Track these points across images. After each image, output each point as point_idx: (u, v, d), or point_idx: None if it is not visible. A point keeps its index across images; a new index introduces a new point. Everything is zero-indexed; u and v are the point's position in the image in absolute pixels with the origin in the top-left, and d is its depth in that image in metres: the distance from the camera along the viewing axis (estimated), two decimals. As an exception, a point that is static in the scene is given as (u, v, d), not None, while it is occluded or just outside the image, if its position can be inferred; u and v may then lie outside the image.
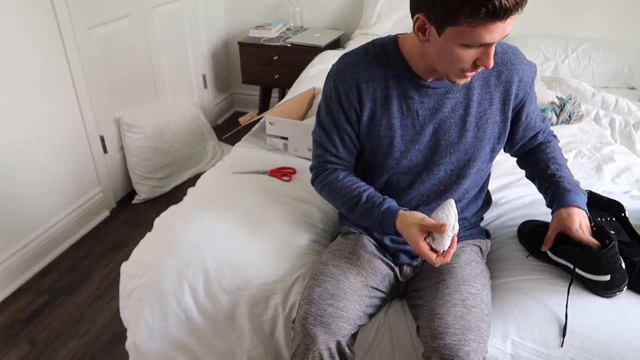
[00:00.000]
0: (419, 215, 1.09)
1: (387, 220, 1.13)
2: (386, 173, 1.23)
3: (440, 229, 1.03)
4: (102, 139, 2.45)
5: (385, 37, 1.18)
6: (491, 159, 1.26)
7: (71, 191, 2.32)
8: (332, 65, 1.20)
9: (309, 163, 1.33)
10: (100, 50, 2.37)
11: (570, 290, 1.15)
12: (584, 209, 1.18)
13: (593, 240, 1.13)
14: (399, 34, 1.17)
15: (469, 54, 0.99)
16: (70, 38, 2.17)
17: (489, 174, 1.35)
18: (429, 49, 1.05)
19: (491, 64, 0.99)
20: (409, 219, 1.09)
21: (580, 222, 1.16)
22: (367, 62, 1.14)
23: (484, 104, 1.17)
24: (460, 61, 1.00)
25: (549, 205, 1.25)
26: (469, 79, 1.07)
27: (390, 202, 1.16)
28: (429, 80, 1.14)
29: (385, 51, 1.14)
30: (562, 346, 1.09)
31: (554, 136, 1.34)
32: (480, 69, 1.04)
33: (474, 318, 1.06)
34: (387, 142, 1.18)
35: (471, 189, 1.28)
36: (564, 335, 1.10)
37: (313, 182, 1.30)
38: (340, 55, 1.22)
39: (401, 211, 1.12)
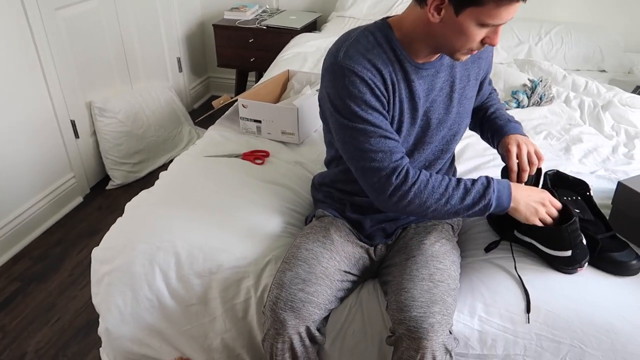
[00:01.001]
0: None
1: (505, 190, 1.10)
2: None
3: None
4: (73, 123, 2.40)
5: (373, 23, 1.14)
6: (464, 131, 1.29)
7: (42, 177, 2.27)
8: (336, 62, 1.07)
9: (283, 146, 1.31)
10: (69, 32, 2.31)
11: (535, 269, 1.19)
12: (521, 134, 1.28)
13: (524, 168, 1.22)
14: (386, 18, 1.14)
15: (482, 33, 1.01)
16: (36, 19, 2.11)
17: None
18: (439, 29, 1.03)
19: (498, 42, 1.03)
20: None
21: (517, 143, 1.24)
22: (374, 48, 1.09)
23: (463, 81, 1.20)
24: (472, 40, 1.01)
25: (493, 145, 1.34)
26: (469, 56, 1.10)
27: (488, 176, 1.13)
28: (421, 61, 1.13)
29: (383, 36, 1.10)
30: (528, 322, 1.12)
31: (494, 89, 1.43)
32: (484, 47, 1.06)
33: (440, 292, 1.08)
34: (396, 127, 1.15)
35: (448, 160, 1.31)
36: (528, 312, 1.13)
37: (393, 195, 1.08)
38: (330, 46, 1.13)
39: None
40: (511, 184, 1.13)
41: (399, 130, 1.15)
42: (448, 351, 1.05)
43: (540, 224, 1.13)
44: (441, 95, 1.17)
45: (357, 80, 1.05)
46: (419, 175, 1.09)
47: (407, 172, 1.08)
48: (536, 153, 1.24)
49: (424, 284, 1.09)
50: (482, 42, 1.03)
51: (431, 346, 1.02)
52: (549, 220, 1.13)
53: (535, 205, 1.12)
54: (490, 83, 1.39)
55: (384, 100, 1.09)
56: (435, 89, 1.16)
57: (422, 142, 1.20)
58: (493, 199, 1.08)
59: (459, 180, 1.11)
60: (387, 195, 1.08)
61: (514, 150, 1.22)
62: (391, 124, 1.13)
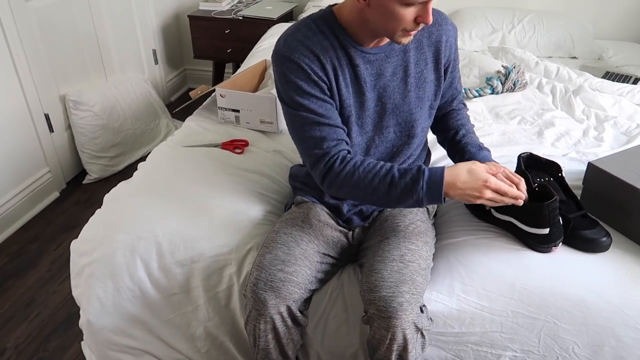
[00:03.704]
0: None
1: (435, 185, 1.04)
2: None
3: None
4: (47, 117, 2.36)
5: (319, 10, 1.17)
6: (430, 115, 1.29)
7: (17, 172, 2.23)
8: (277, 50, 1.12)
9: (262, 135, 1.32)
10: (40, 24, 2.26)
11: (510, 247, 1.22)
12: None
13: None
14: (331, 5, 1.17)
15: (410, 13, 1.02)
16: (5, 11, 2.06)
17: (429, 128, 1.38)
18: (369, 14, 1.06)
19: (430, 19, 1.03)
20: (460, 165, 1.06)
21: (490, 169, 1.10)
22: (314, 35, 1.12)
23: (420, 65, 1.20)
24: (402, 20, 1.03)
25: None
26: (412, 37, 1.10)
27: (427, 167, 1.08)
28: (369, 46, 1.15)
29: (325, 23, 1.14)
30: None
31: (464, 104, 1.41)
32: (421, 27, 1.07)
33: (410, 272, 1.10)
34: (346, 112, 1.18)
35: (418, 146, 1.32)
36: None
37: (324, 179, 1.13)
38: (279, 37, 1.16)
39: (446, 167, 1.06)
40: (447, 174, 1.04)
41: (348, 115, 1.18)
42: (419, 329, 1.08)
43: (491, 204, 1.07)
44: (394, 80, 1.19)
45: (293, 66, 1.10)
46: (348, 162, 1.10)
47: (336, 159, 1.11)
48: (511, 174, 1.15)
49: (394, 265, 1.11)
50: (416, 21, 1.04)
51: (401, 325, 1.04)
52: (499, 200, 1.05)
53: (473, 193, 1.04)
54: (460, 91, 1.36)
55: (323, 85, 1.12)
56: (386, 73, 1.18)
57: (380, 127, 1.22)
58: (422, 195, 1.05)
59: (389, 170, 1.08)
60: (320, 180, 1.14)
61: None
62: (339, 108, 1.16)
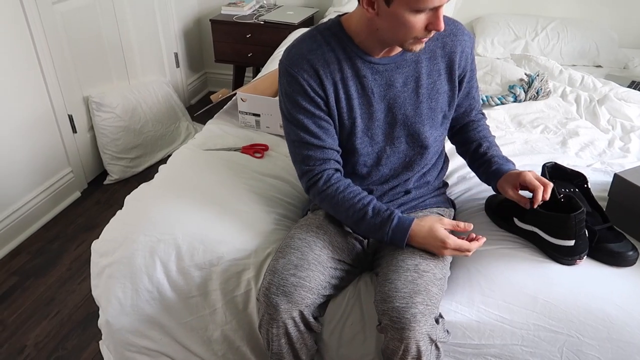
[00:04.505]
0: (434, 217, 1.14)
1: (400, 234, 1.13)
2: (352, 154, 1.24)
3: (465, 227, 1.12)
4: (70, 118, 2.40)
5: (328, 20, 1.18)
6: (444, 125, 1.29)
7: (40, 172, 2.27)
8: (281, 61, 1.16)
9: (281, 140, 1.33)
10: (66, 27, 2.31)
11: (533, 259, 1.20)
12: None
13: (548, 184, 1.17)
14: (340, 15, 1.17)
15: (420, 20, 1.01)
16: (34, 13, 2.10)
17: (445, 138, 1.38)
18: (379, 23, 1.05)
19: (442, 26, 1.02)
20: (427, 220, 1.12)
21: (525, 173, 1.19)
22: (318, 49, 1.13)
23: (433, 76, 1.19)
24: (413, 28, 1.02)
25: (486, 181, 1.32)
26: (423, 44, 1.08)
27: (398, 214, 1.14)
28: (378, 56, 1.14)
29: (332, 34, 1.14)
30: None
31: (483, 114, 1.40)
32: (432, 34, 1.05)
33: (424, 282, 1.08)
34: (350, 123, 1.19)
35: (433, 156, 1.31)
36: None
37: (308, 192, 1.23)
38: (287, 46, 1.19)
39: (416, 220, 1.13)
40: (412, 226, 1.12)
41: (353, 126, 1.18)
42: (433, 341, 1.06)
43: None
44: (406, 90, 1.18)
45: (292, 80, 1.13)
46: (331, 185, 1.17)
47: (320, 178, 1.18)
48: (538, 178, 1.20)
49: (408, 275, 1.09)
50: (427, 28, 1.03)
51: (414, 336, 1.02)
52: (459, 255, 1.14)
53: (432, 250, 1.14)
54: (479, 96, 1.36)
55: (320, 101, 1.14)
56: (396, 84, 1.17)
57: (391, 138, 1.22)
58: (387, 238, 1.14)
59: (365, 206, 1.15)
60: (304, 190, 1.24)
61: (525, 173, 1.19)
62: (341, 121, 1.18)
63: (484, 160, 1.31)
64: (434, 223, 1.13)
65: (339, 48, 1.13)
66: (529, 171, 1.19)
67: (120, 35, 2.68)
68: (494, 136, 1.38)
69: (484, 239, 1.15)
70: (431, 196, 1.34)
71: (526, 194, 1.22)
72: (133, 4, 2.75)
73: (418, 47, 1.08)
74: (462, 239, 1.13)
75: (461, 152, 1.39)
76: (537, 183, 1.16)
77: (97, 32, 2.52)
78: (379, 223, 1.14)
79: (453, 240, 1.11)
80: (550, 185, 1.16)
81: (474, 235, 1.15)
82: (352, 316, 1.24)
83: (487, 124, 1.39)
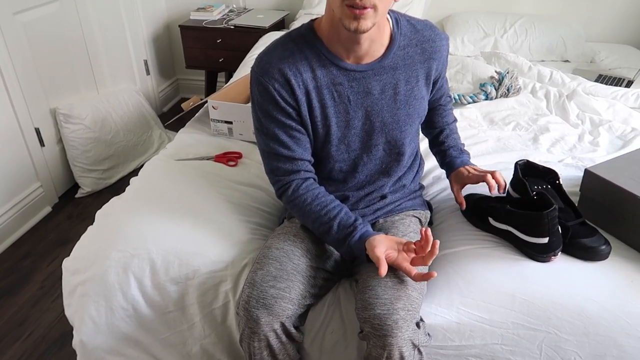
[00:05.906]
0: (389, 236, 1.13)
1: (359, 247, 1.12)
2: (327, 161, 1.23)
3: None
4: (37, 131, 2.33)
5: (301, 26, 1.16)
6: (419, 128, 1.31)
7: (7, 188, 2.20)
8: (253, 68, 1.14)
9: (255, 147, 1.31)
10: (29, 37, 2.24)
11: (509, 257, 1.21)
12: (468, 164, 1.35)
13: (485, 172, 1.27)
14: (313, 20, 1.15)
15: None
16: (-7, 25, 2.04)
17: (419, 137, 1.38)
18: (329, 3, 1.04)
19: None
20: (378, 239, 1.10)
21: (468, 171, 1.31)
22: (290, 57, 1.11)
23: (411, 82, 1.19)
24: None
25: (441, 167, 1.43)
26: (361, 21, 0.99)
27: (360, 232, 1.12)
28: (350, 61, 1.13)
29: (305, 41, 1.12)
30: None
31: (450, 97, 1.43)
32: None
33: (405, 287, 1.08)
34: (324, 132, 1.18)
35: (409, 159, 1.32)
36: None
37: (279, 198, 1.23)
38: (259, 54, 1.16)
39: (372, 237, 1.11)
40: (367, 243, 1.09)
41: (327, 134, 1.17)
42: (415, 346, 1.05)
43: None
44: (383, 98, 1.17)
45: (262, 89, 1.12)
46: (299, 195, 1.17)
47: (289, 187, 1.18)
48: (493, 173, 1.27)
49: (388, 280, 1.08)
50: None
51: (397, 343, 1.02)
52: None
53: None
54: (447, 88, 1.38)
55: (291, 110, 1.13)
56: (374, 91, 1.16)
57: (368, 145, 1.21)
58: (348, 250, 1.15)
59: (332, 219, 1.14)
60: (276, 195, 1.24)
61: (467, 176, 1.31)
62: (315, 130, 1.17)
63: (440, 150, 1.39)
64: (377, 244, 1.08)
65: (312, 55, 1.12)
66: (471, 171, 1.30)
67: (87, 44, 2.62)
68: (456, 119, 1.44)
69: (499, 173, 1.24)
70: (407, 199, 1.34)
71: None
72: (99, 11, 2.68)
73: (354, 23, 0.99)
74: (418, 242, 1.09)
75: (425, 133, 1.45)
76: (482, 175, 1.26)
77: (63, 42, 2.45)
78: (342, 236, 1.14)
79: (383, 267, 1.04)
80: (497, 171, 1.26)
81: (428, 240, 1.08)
82: (332, 324, 1.23)
83: (452, 107, 1.44)
